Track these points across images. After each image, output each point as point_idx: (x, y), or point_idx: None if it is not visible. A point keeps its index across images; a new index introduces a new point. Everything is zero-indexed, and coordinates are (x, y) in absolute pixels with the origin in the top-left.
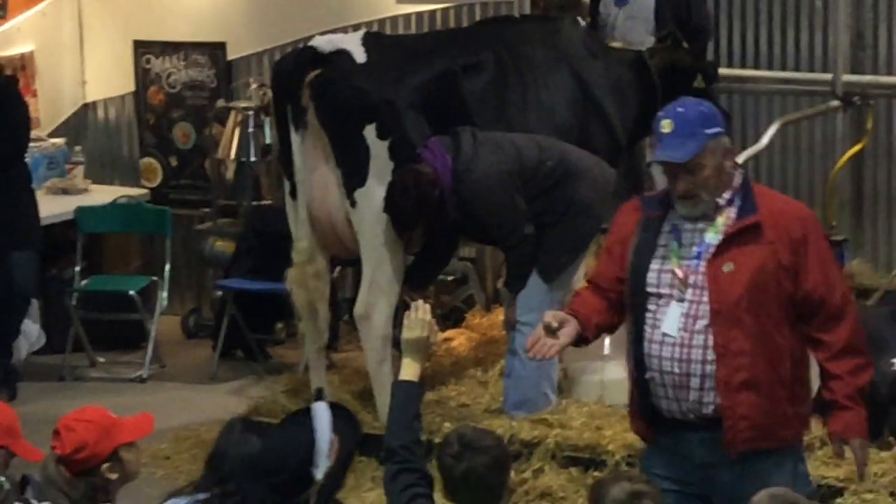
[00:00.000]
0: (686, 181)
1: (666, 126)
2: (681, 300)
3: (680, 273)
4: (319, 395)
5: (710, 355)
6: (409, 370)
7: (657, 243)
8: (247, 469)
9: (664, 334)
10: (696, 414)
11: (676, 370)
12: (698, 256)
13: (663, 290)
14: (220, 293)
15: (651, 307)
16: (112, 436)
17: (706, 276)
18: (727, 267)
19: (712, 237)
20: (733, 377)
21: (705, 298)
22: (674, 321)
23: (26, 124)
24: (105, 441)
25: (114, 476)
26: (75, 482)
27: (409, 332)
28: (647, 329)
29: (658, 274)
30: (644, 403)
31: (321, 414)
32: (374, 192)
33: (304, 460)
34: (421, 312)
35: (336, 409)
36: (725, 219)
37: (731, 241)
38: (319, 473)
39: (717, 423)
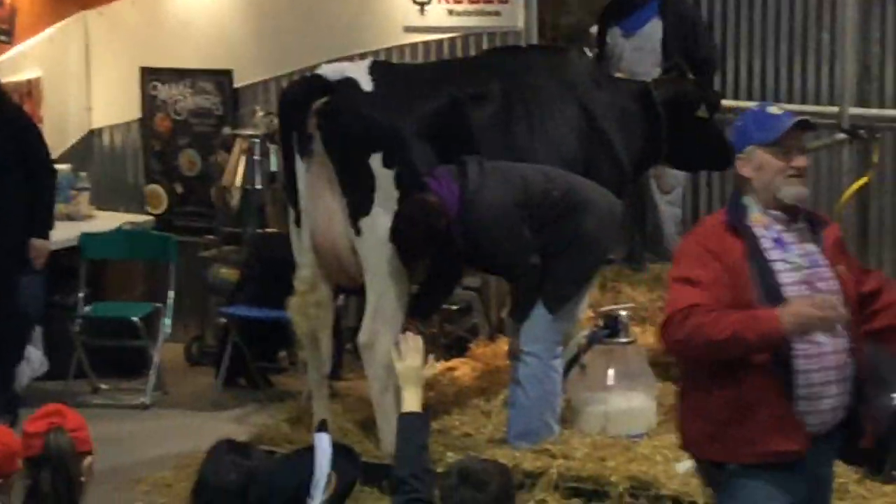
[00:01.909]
0: (804, 158)
1: (776, 108)
2: None
3: (822, 284)
4: (322, 427)
5: (849, 357)
6: (412, 401)
7: (770, 258)
8: (230, 496)
9: (819, 345)
10: (835, 420)
11: (832, 378)
12: (816, 263)
13: None
14: (223, 320)
15: None
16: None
17: (835, 280)
18: (842, 270)
19: (810, 244)
20: (858, 374)
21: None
22: None
23: (46, 148)
24: (90, 436)
25: (89, 476)
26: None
27: (402, 361)
28: (798, 345)
29: (793, 288)
30: (795, 424)
31: (323, 445)
32: (380, 220)
33: (301, 490)
34: (412, 342)
35: (338, 446)
36: (804, 225)
37: (829, 245)
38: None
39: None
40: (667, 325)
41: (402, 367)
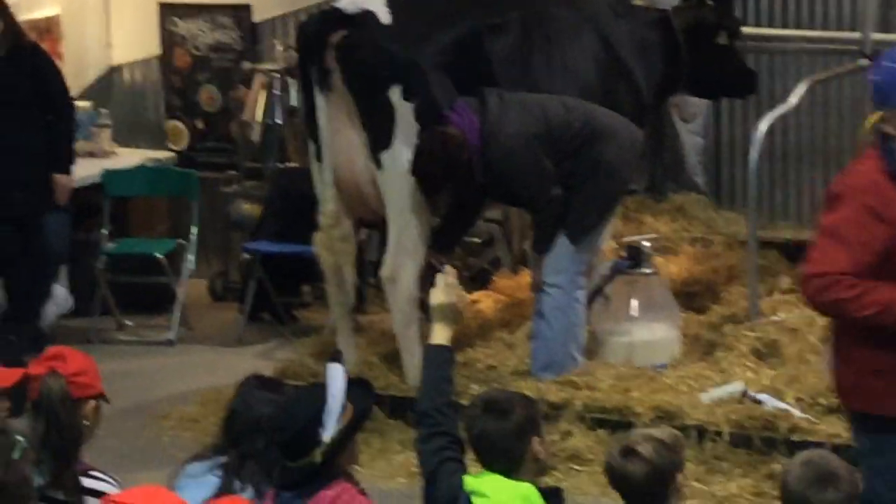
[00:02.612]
0: None
1: None
2: None
3: None
4: (336, 357)
5: None
6: (441, 334)
7: None
8: (259, 429)
9: None
10: None
11: None
12: None
13: None
14: (246, 256)
15: None
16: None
17: None
18: None
19: None
20: None
21: None
22: None
23: (64, 84)
24: (98, 380)
25: (93, 420)
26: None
27: (437, 297)
28: None
29: None
30: None
31: (335, 374)
32: (400, 154)
33: (313, 420)
34: (449, 278)
35: (352, 378)
36: None
37: None
38: (327, 435)
39: None
40: (807, 285)
41: (438, 302)
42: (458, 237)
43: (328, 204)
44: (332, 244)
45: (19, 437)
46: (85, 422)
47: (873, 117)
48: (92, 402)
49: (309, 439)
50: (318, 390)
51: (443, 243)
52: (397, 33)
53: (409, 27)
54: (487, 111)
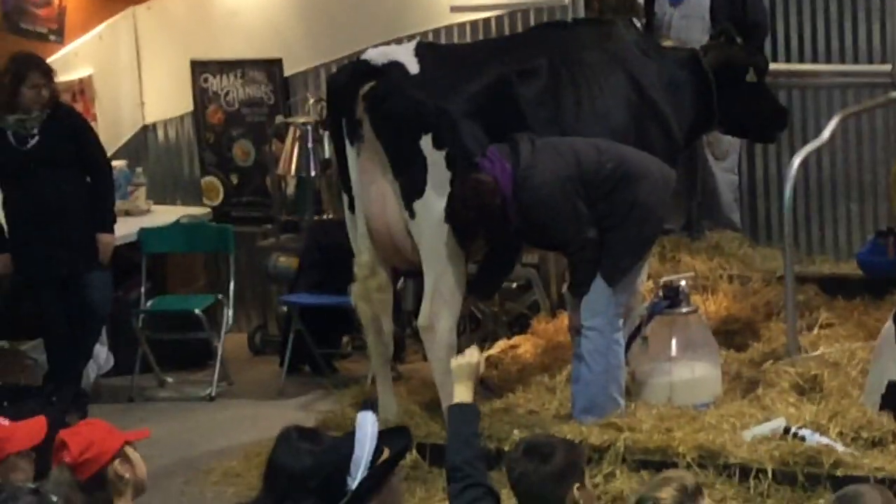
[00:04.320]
0: None
1: None
2: None
3: None
4: (368, 406)
5: None
6: (462, 394)
7: None
8: (299, 480)
9: None
10: None
11: None
12: None
13: None
14: (285, 309)
15: None
16: (116, 435)
17: None
18: None
19: None
20: None
21: None
22: None
23: (101, 145)
24: (111, 438)
25: (125, 473)
26: (86, 489)
27: (457, 359)
28: None
29: None
30: None
31: (365, 423)
32: (433, 202)
33: (340, 468)
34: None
35: (391, 428)
36: None
37: None
38: (354, 483)
39: None
40: None
41: (457, 363)
42: (495, 283)
43: (363, 255)
44: (368, 295)
45: (53, 498)
46: (120, 477)
47: None
48: (115, 463)
49: (336, 488)
50: (349, 439)
51: (480, 290)
52: (426, 82)
53: (437, 77)
54: (519, 156)
